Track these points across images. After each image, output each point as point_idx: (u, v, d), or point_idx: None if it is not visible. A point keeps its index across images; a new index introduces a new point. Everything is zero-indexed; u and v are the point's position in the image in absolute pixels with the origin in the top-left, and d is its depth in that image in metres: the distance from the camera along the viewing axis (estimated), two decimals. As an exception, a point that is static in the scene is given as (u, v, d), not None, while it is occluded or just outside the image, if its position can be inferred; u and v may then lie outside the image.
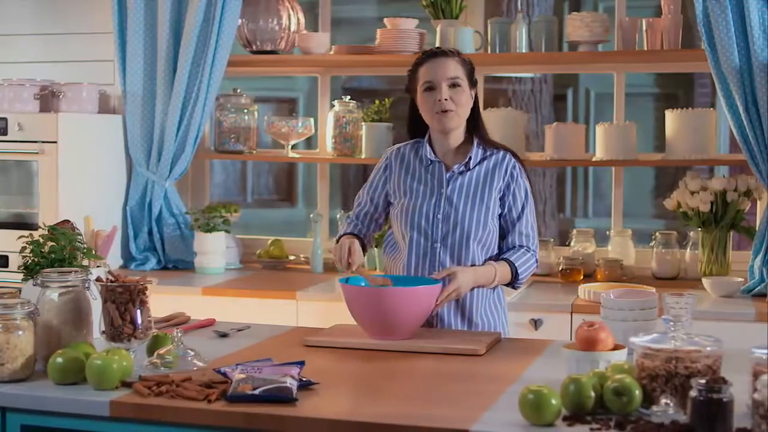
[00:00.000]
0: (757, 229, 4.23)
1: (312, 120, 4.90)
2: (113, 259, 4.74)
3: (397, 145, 3.32)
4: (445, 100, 3.08)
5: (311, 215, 4.82)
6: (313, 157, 5.15)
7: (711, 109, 4.49)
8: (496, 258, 3.15)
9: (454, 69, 3.12)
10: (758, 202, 4.45)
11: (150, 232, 4.79)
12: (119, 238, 4.78)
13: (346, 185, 8.58)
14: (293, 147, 4.93)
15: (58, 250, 2.64)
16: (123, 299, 2.49)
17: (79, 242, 2.69)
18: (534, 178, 7.11)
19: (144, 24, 4.70)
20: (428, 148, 3.18)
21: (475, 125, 3.20)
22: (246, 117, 4.95)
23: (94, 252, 2.88)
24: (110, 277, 2.53)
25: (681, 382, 2.13)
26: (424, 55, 3.19)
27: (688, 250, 4.53)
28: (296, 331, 3.08)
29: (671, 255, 4.55)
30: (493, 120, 4.59)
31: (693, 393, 2.03)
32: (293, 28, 4.84)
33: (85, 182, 4.55)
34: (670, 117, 4.51)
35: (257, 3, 4.81)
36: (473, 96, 3.18)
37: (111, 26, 4.73)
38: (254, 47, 4.85)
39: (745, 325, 3.76)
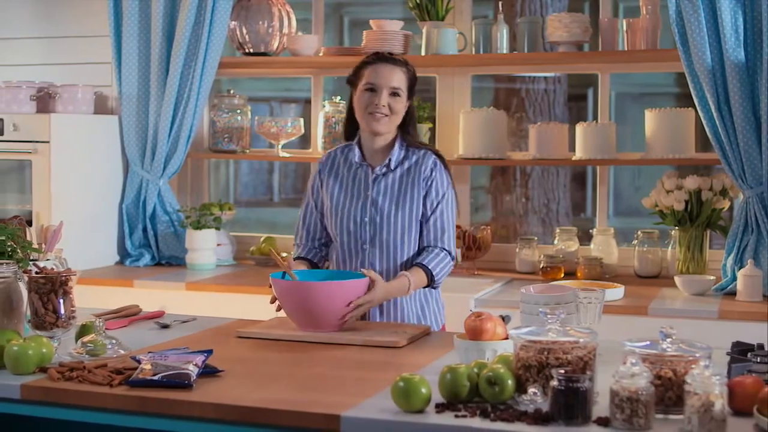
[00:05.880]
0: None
1: (301, 120, 5.01)
2: (110, 255, 4.92)
3: (329, 151, 3.45)
4: (383, 105, 3.21)
5: (299, 213, 4.92)
6: (303, 157, 5.26)
7: (689, 108, 4.50)
8: (412, 261, 3.24)
9: (398, 79, 3.24)
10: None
11: (144, 230, 4.94)
12: (115, 235, 4.95)
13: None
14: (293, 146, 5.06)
15: (-3, 244, 2.78)
16: (45, 289, 2.62)
17: (18, 236, 2.83)
18: (548, 177, 7.13)
19: (138, 27, 4.86)
20: (357, 151, 3.31)
21: (404, 129, 3.31)
22: (239, 117, 5.07)
23: (41, 246, 3.03)
24: (36, 269, 2.67)
25: (551, 372, 2.19)
26: (373, 57, 3.31)
27: (669, 248, 4.55)
28: (237, 323, 3.18)
29: (653, 253, 4.58)
30: (475, 120, 4.67)
31: (554, 383, 2.10)
32: (285, 30, 4.96)
33: (79, 181, 4.71)
34: (649, 116, 4.54)
35: (249, 6, 4.93)
36: (407, 106, 3.30)
37: (108, 29, 4.90)
38: (247, 49, 4.97)
39: (707, 323, 3.77)
